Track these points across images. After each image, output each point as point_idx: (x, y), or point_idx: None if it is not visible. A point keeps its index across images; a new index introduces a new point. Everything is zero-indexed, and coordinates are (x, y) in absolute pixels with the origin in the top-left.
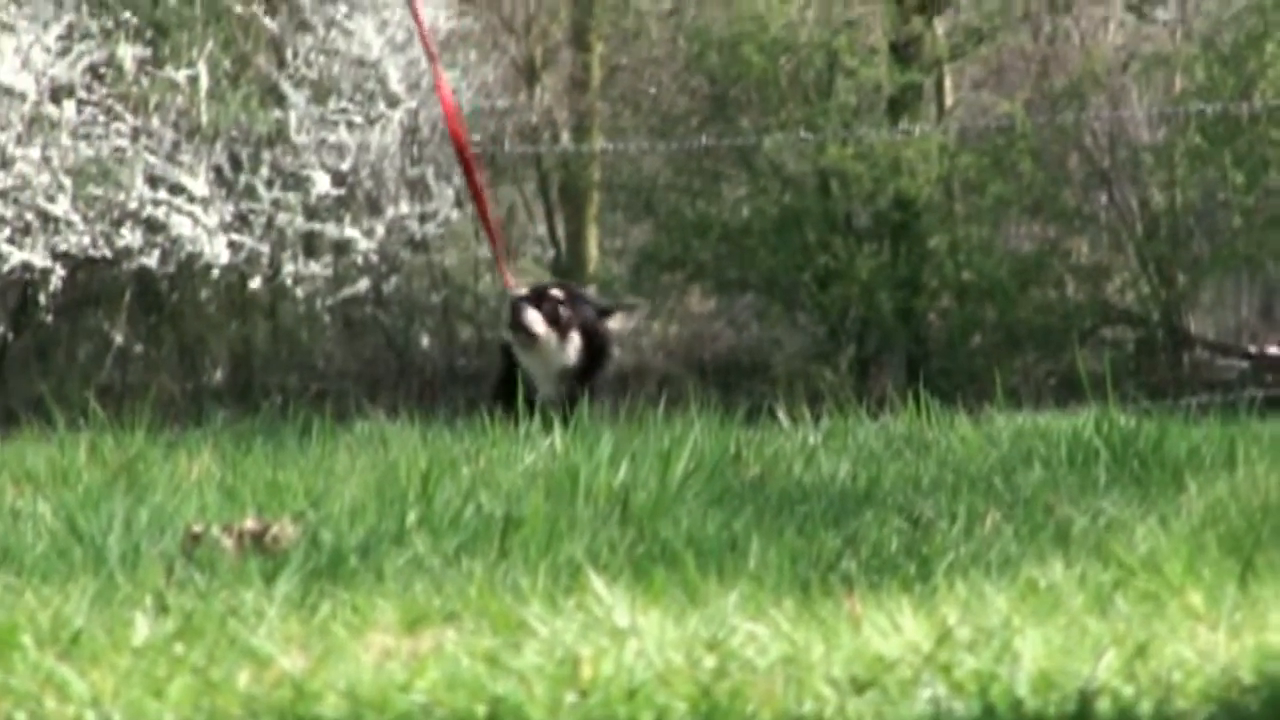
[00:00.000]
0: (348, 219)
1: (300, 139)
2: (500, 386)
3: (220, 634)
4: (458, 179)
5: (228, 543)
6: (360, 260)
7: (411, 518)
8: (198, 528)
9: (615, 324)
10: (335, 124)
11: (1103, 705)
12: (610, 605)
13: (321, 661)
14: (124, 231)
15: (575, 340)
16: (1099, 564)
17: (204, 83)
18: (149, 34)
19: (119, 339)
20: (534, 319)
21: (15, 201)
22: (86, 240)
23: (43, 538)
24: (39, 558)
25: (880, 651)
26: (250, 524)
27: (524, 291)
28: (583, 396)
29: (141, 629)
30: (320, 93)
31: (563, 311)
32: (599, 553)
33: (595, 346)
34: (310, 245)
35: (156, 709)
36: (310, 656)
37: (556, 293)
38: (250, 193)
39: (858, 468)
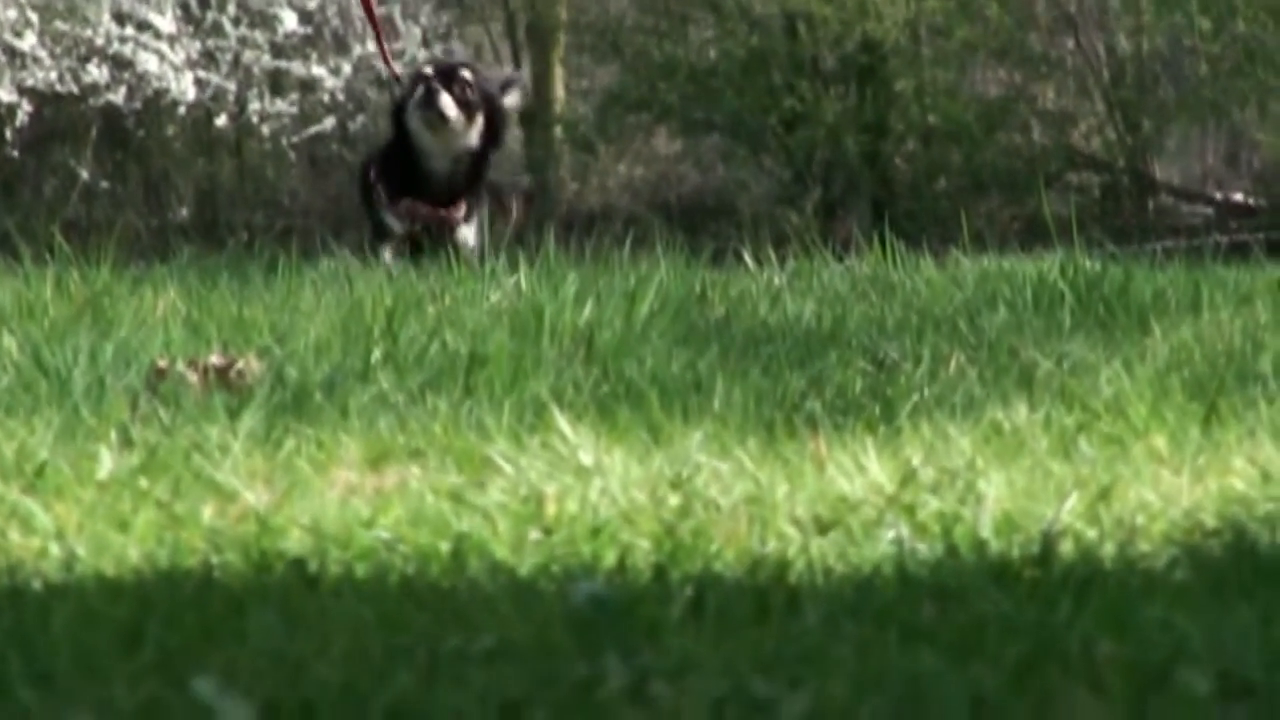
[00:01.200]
0: (314, 57)
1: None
2: (384, 162)
3: (185, 468)
4: (425, 19)
5: (193, 378)
6: (326, 98)
7: (376, 355)
8: (163, 363)
9: (511, 101)
10: None
11: (1066, 547)
12: (575, 444)
13: (286, 497)
14: (90, 67)
15: (479, 121)
16: (1063, 407)
17: None
18: None
19: (85, 175)
20: (447, 102)
21: None
22: (53, 76)
23: (8, 372)
24: (3, 391)
25: (844, 492)
26: (215, 359)
27: (430, 70)
28: (475, 173)
29: (106, 463)
30: None
31: (470, 94)
32: (564, 391)
33: (495, 126)
34: (277, 83)
35: (121, 542)
36: (274, 492)
37: (466, 74)
38: (217, 30)
39: (823, 309)
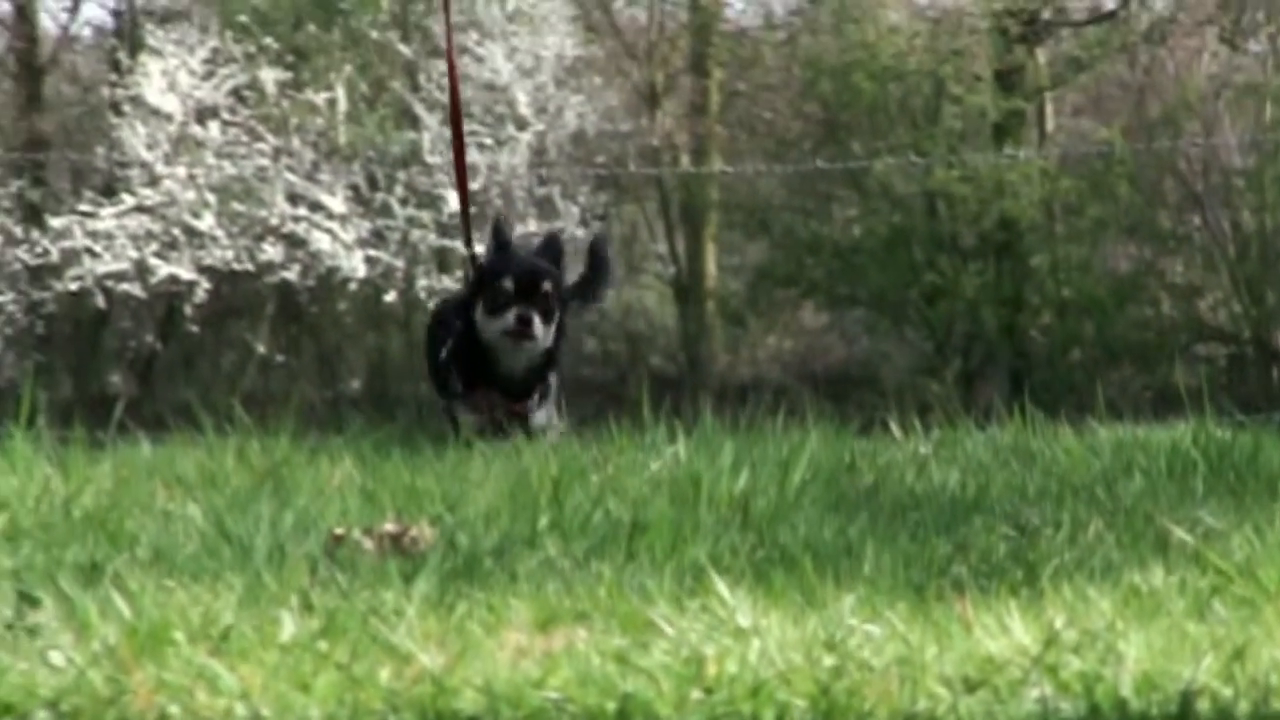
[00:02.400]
0: (479, 236)
1: (433, 159)
2: (457, 353)
3: (362, 632)
4: (583, 198)
5: (368, 545)
6: None
7: (543, 522)
8: (340, 530)
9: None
10: (467, 145)
11: (1203, 705)
12: (733, 607)
13: (459, 658)
14: (266, 246)
15: (554, 327)
16: (1197, 571)
17: (342, 105)
18: (290, 58)
19: (261, 349)
20: (536, 327)
21: (163, 218)
22: (230, 254)
23: (193, 539)
24: (190, 558)
25: (990, 652)
26: (389, 527)
27: (511, 285)
28: (547, 365)
29: (288, 626)
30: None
31: (552, 305)
32: (722, 556)
33: (565, 325)
34: (443, 260)
35: (303, 703)
36: (448, 654)
37: (547, 286)
38: (386, 210)
39: (967, 477)
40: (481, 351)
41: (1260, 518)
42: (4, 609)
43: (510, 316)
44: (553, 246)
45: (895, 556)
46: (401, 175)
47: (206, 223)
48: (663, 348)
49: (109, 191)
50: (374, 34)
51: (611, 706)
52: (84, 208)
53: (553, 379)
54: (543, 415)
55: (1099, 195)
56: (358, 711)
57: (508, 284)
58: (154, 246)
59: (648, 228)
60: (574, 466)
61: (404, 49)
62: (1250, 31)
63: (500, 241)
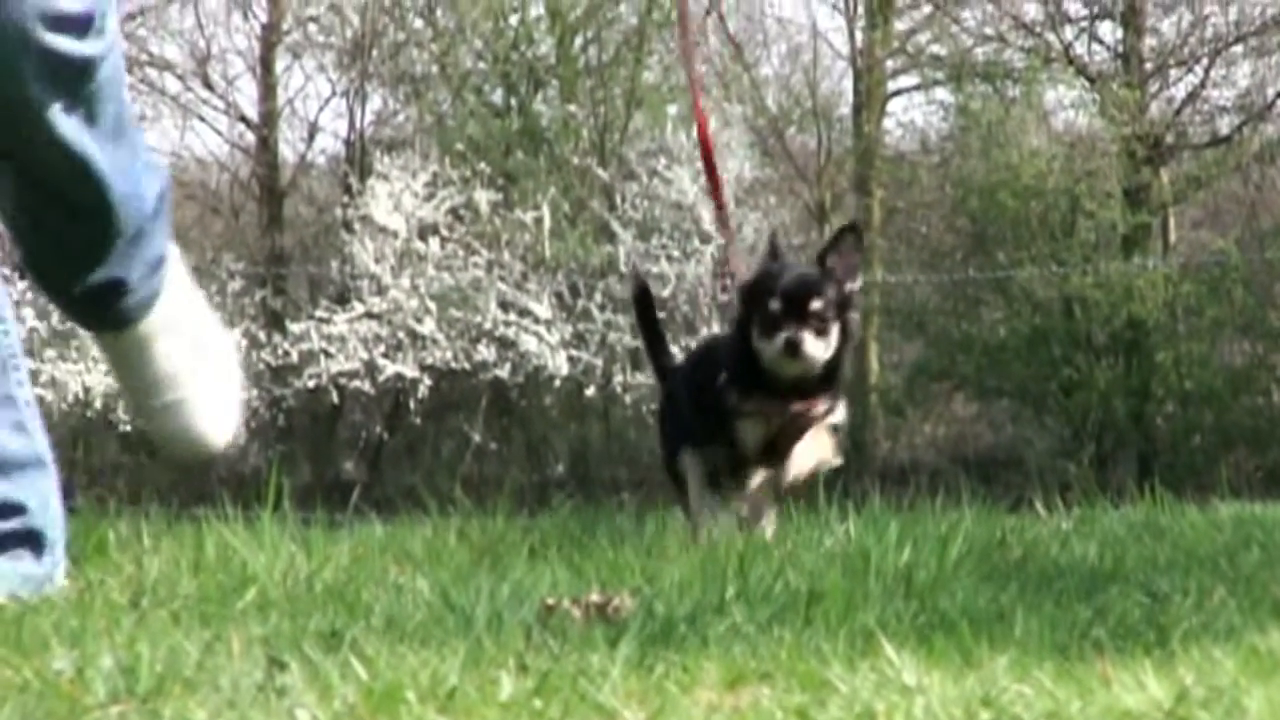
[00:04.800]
0: (669, 337)
1: (627, 270)
2: (732, 376)
3: (572, 691)
4: None
5: (576, 613)
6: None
7: (730, 592)
8: (550, 600)
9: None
10: (657, 257)
11: None
12: (899, 667)
13: (658, 714)
14: (480, 348)
15: (835, 339)
16: None
17: (547, 223)
18: (500, 181)
19: (477, 438)
20: (810, 347)
21: (389, 323)
22: (449, 355)
23: (421, 608)
24: (418, 625)
25: (1128, 706)
26: (594, 597)
27: (779, 306)
28: (831, 374)
29: (506, 686)
30: (644, 231)
31: (827, 320)
32: (888, 622)
33: (848, 330)
34: (637, 359)
35: None
36: (649, 710)
37: (818, 305)
38: (586, 315)
39: (1104, 549)
40: (758, 368)
41: None
42: (255, 672)
43: (780, 339)
44: (841, 241)
45: (1042, 621)
46: (600, 284)
47: (428, 327)
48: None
49: (341, 300)
50: (575, 160)
51: None
52: (320, 314)
53: (838, 382)
54: (825, 412)
55: (1216, 298)
56: None
57: (775, 305)
58: (381, 348)
59: None
60: (757, 542)
61: (601, 173)
62: None
63: (771, 255)
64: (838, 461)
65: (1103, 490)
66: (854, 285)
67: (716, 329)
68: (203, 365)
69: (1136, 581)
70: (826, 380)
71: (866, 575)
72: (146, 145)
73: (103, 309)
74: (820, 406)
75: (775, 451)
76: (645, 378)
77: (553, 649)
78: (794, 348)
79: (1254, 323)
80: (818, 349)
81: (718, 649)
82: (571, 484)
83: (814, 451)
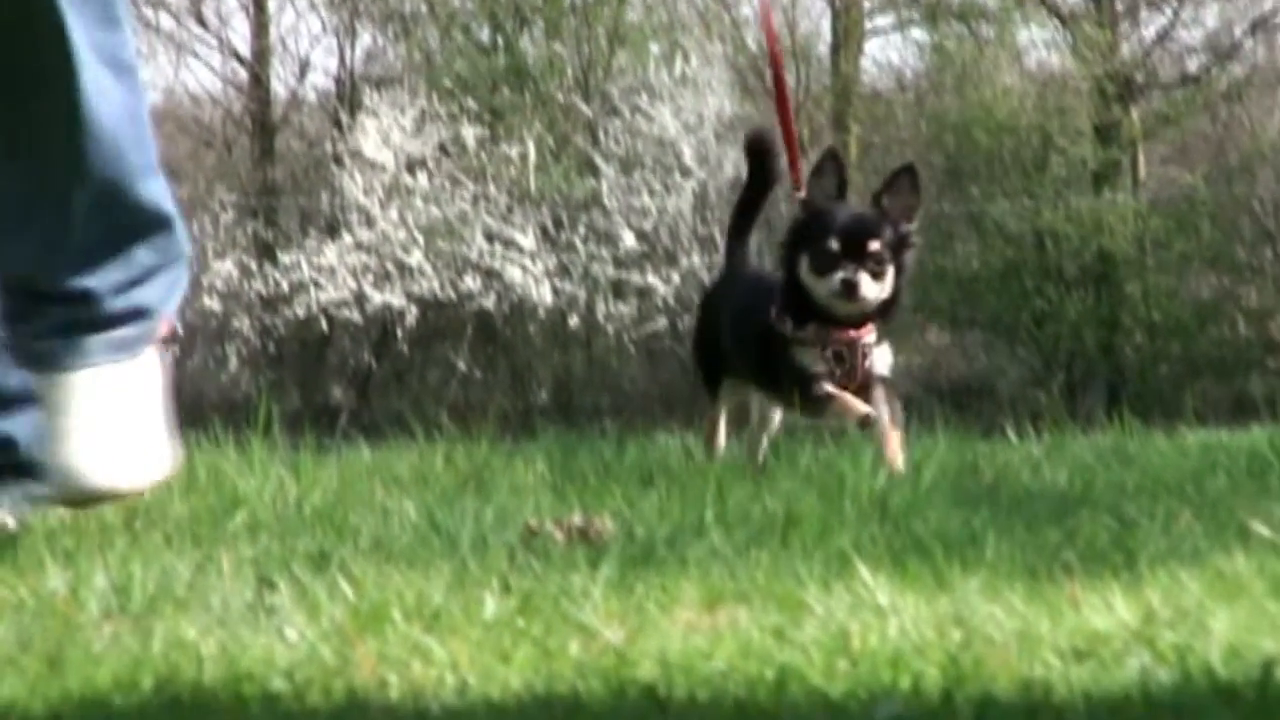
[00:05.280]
0: (649, 269)
1: (610, 203)
2: (784, 305)
3: (554, 611)
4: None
5: (558, 535)
6: (660, 303)
7: (709, 515)
8: (533, 522)
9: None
10: (639, 191)
11: None
12: (874, 589)
13: (638, 634)
14: (466, 278)
15: (892, 277)
16: (1275, 557)
17: (532, 157)
18: (487, 117)
19: (462, 366)
20: (867, 288)
21: (377, 254)
22: (436, 285)
23: (407, 530)
24: (405, 547)
25: (1096, 627)
26: (576, 520)
27: (836, 245)
28: (888, 306)
29: (489, 606)
30: (627, 166)
31: (884, 262)
32: (863, 545)
33: (904, 266)
34: (619, 290)
35: (503, 673)
36: (628, 629)
37: (875, 246)
38: (569, 247)
39: (1073, 475)
40: (809, 303)
41: None
42: (245, 592)
43: (836, 280)
44: (898, 182)
45: (1013, 544)
46: (583, 217)
47: (415, 258)
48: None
49: (331, 232)
50: (559, 96)
51: (770, 675)
52: (310, 245)
53: (893, 318)
54: (883, 358)
55: (1184, 232)
56: (550, 680)
57: (833, 244)
58: (370, 278)
59: None
60: (735, 467)
61: (585, 108)
62: None
63: (830, 183)
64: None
65: (1072, 418)
66: (910, 226)
67: (696, 260)
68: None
69: (1105, 506)
70: (881, 315)
71: (842, 499)
72: (142, 91)
73: (56, 330)
74: (868, 334)
75: (833, 385)
76: (626, 308)
77: (535, 570)
78: (851, 288)
79: (1221, 256)
80: (873, 290)
81: (696, 571)
82: (554, 411)
83: (882, 398)
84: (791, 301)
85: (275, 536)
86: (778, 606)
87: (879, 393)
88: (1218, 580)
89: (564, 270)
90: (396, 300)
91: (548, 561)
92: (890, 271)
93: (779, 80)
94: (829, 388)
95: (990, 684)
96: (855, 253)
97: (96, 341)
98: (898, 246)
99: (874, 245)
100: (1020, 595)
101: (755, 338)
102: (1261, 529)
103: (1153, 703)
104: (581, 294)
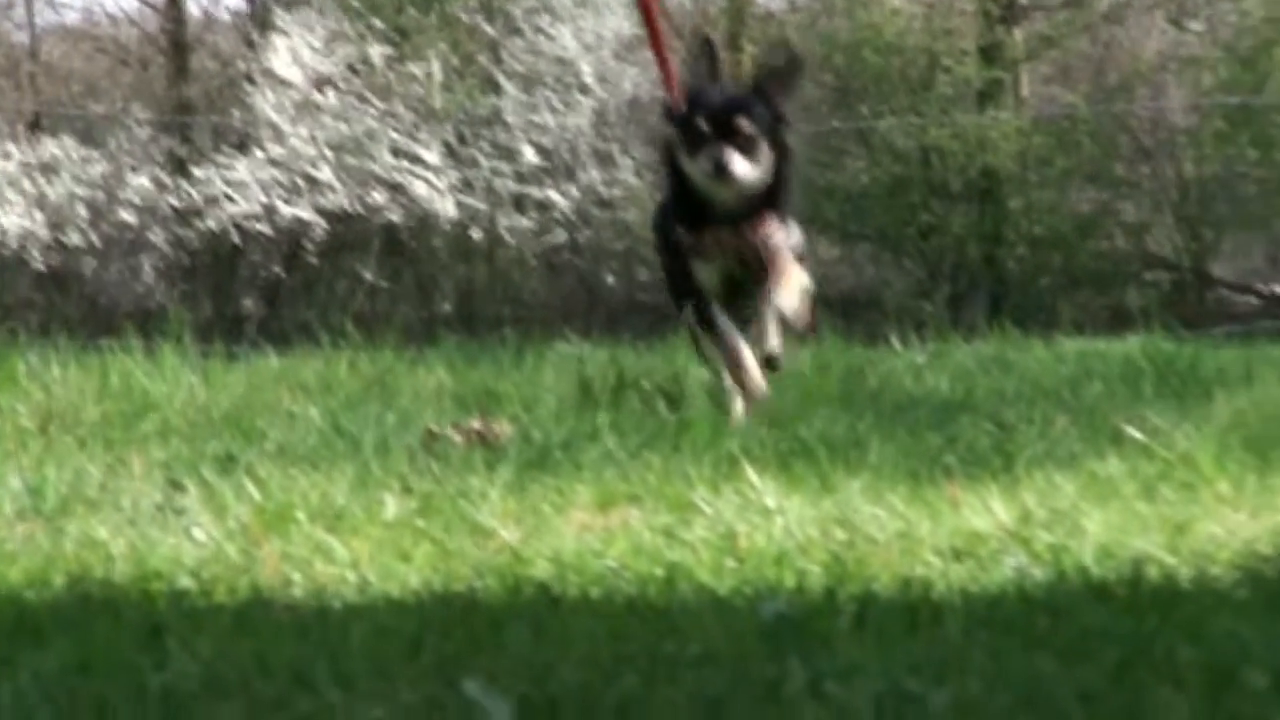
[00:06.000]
0: (549, 183)
1: (512, 120)
2: (675, 212)
3: (453, 511)
4: (637, 152)
5: (458, 439)
6: (559, 216)
7: (603, 420)
8: (434, 427)
9: (787, 100)
10: (540, 109)
11: (1151, 571)
12: (761, 490)
13: (533, 534)
14: (373, 193)
15: (764, 163)
16: (1146, 460)
17: (437, 76)
18: (394, 37)
19: (369, 277)
20: (738, 168)
21: (288, 169)
22: (344, 199)
23: (312, 434)
24: (309, 450)
25: (975, 528)
26: (475, 424)
27: (706, 124)
28: (774, 192)
29: (390, 507)
30: (528, 84)
31: (756, 142)
32: (751, 449)
33: (780, 165)
34: (520, 204)
35: (403, 571)
36: (524, 530)
37: (745, 124)
38: (473, 162)
39: (955, 382)
40: (695, 196)
41: (1198, 416)
42: (155, 493)
43: (706, 159)
44: (775, 63)
45: (896, 448)
46: (486, 133)
47: (324, 173)
48: None
49: (243, 147)
50: (464, 16)
51: (659, 573)
52: (222, 161)
53: (784, 207)
54: (783, 236)
55: (1065, 149)
56: (448, 578)
57: (702, 123)
58: (280, 193)
59: None
60: (630, 374)
61: (488, 29)
62: (1192, 13)
63: (704, 69)
64: (808, 284)
65: (956, 328)
66: (787, 104)
67: (595, 175)
68: None
69: (985, 411)
70: (770, 203)
71: (732, 405)
72: None
73: None
74: (769, 226)
75: (745, 283)
76: (527, 222)
77: (435, 473)
78: (722, 168)
79: (1100, 172)
80: (746, 169)
81: (590, 473)
82: (458, 321)
83: (788, 278)
84: (681, 200)
85: (185, 440)
86: (668, 507)
87: (781, 278)
88: (1091, 483)
89: (467, 185)
90: (306, 214)
91: (447, 464)
92: (765, 149)
93: (647, 7)
94: (724, 328)
95: (872, 582)
96: (725, 131)
97: None
98: (773, 126)
99: (743, 123)
100: (902, 497)
101: (668, 249)
102: (1134, 433)
103: (1028, 600)
104: (484, 208)
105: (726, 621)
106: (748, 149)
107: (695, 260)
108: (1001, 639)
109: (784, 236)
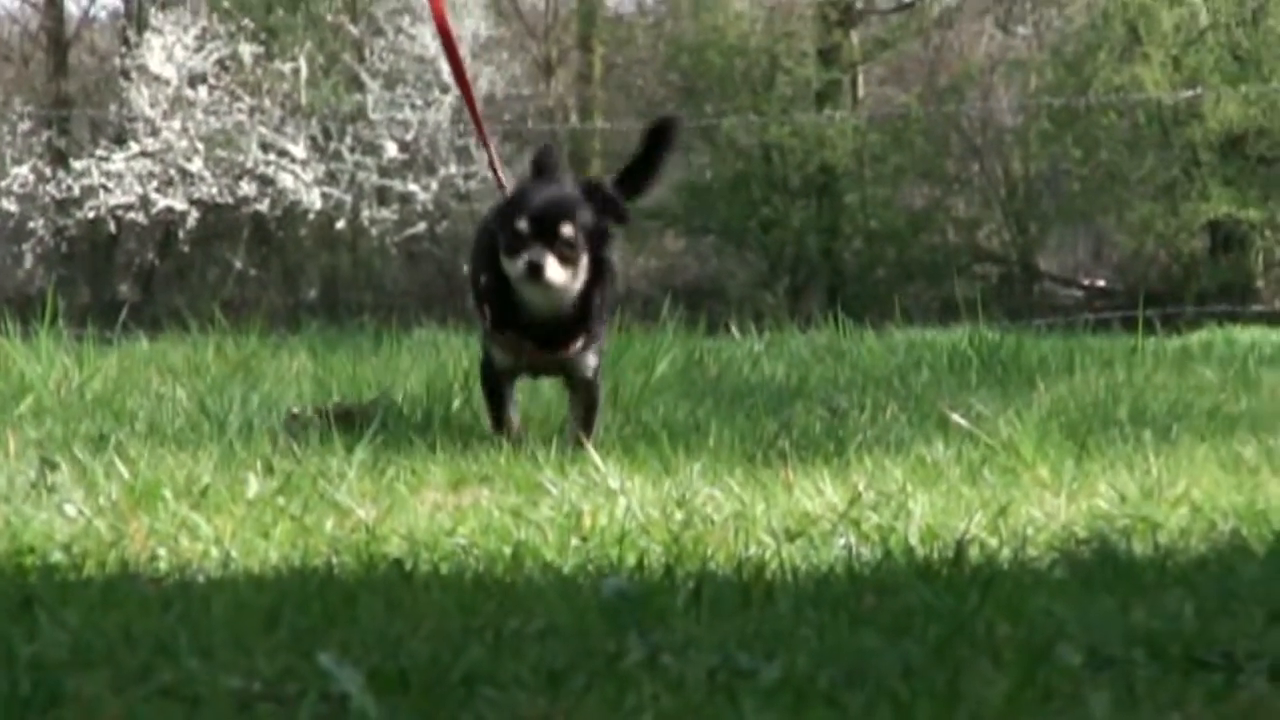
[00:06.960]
0: (410, 177)
1: (375, 116)
2: (489, 290)
3: (312, 490)
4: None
5: (318, 420)
6: (420, 208)
7: (456, 404)
8: (296, 409)
9: (613, 246)
10: (401, 105)
11: (974, 552)
12: (605, 472)
13: (388, 512)
14: (243, 184)
15: (582, 274)
16: (971, 446)
17: (304, 73)
18: (263, 36)
19: (238, 265)
20: (553, 272)
21: (161, 161)
22: (215, 190)
23: (179, 415)
24: (176, 430)
25: (807, 509)
26: (336, 406)
27: (526, 225)
28: (587, 307)
29: (253, 486)
30: (390, 81)
31: (576, 249)
32: (597, 432)
33: (603, 262)
34: (382, 196)
35: (264, 547)
36: (380, 508)
37: (568, 231)
38: (337, 156)
39: (791, 370)
40: (510, 291)
41: (1020, 404)
42: (29, 471)
43: (522, 261)
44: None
45: (733, 433)
46: (350, 129)
47: (196, 165)
48: None
49: (119, 140)
50: (329, 17)
51: (507, 550)
52: (100, 153)
53: (597, 324)
54: (590, 359)
55: (899, 147)
56: (307, 554)
57: (522, 224)
58: (155, 184)
59: None
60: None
61: (353, 29)
62: (1019, 18)
63: (537, 171)
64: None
65: (794, 318)
66: (617, 222)
67: (454, 169)
68: None
69: (819, 398)
70: (583, 317)
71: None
72: None
73: None
74: (577, 347)
75: (542, 375)
76: (390, 213)
77: (296, 453)
78: (536, 271)
79: (932, 169)
80: (561, 276)
81: (444, 455)
82: (322, 308)
83: (590, 413)
84: (496, 293)
85: (58, 420)
86: (517, 488)
87: (580, 395)
88: (919, 466)
89: (332, 177)
90: (179, 204)
91: (308, 445)
92: (585, 258)
93: (459, 74)
94: (513, 416)
95: (708, 561)
96: (546, 234)
97: None
98: (596, 234)
99: (566, 229)
100: (738, 479)
101: (478, 309)
102: (960, 420)
103: (856, 578)
104: (348, 199)
105: (570, 598)
106: (566, 256)
107: (497, 350)
108: (830, 616)
109: (593, 360)
